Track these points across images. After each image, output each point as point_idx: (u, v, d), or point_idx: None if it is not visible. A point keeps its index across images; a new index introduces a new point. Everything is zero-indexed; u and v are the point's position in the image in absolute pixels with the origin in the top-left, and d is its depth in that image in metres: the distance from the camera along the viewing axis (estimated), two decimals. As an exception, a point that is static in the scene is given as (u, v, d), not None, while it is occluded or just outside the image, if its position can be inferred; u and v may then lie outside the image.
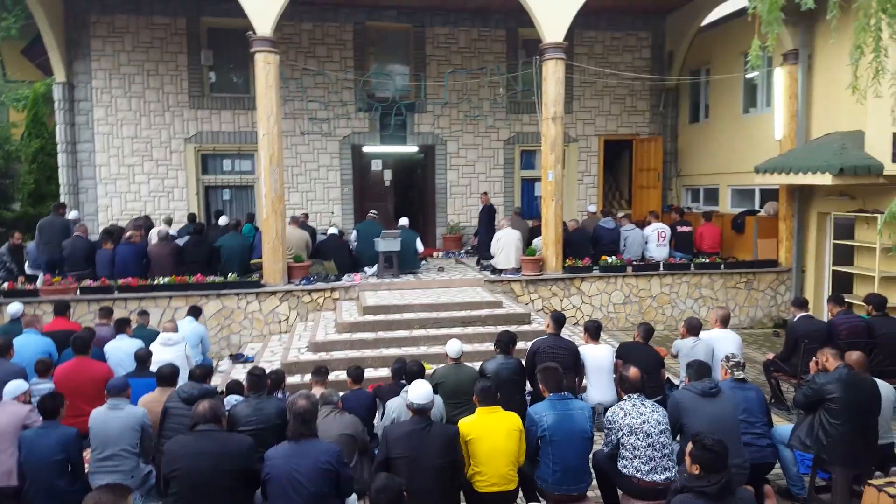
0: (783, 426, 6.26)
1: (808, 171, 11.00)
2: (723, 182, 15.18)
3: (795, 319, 8.37)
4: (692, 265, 12.75)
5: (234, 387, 6.72)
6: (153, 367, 7.04)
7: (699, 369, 5.69)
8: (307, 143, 15.63)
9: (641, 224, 13.87)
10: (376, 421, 6.57)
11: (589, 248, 12.83)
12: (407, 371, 6.50)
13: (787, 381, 8.47)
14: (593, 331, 7.49)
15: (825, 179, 10.66)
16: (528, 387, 7.22)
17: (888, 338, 7.84)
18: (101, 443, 5.60)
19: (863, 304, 8.65)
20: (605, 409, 6.22)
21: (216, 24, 15.06)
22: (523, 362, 7.09)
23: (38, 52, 17.00)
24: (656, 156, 16.64)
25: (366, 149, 16.27)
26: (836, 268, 11.94)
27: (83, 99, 14.71)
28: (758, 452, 5.65)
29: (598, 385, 7.30)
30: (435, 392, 5.80)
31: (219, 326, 11.05)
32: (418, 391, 5.16)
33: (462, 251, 15.63)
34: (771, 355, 8.86)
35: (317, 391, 6.34)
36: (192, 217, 13.92)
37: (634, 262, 12.64)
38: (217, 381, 8.86)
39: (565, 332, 9.16)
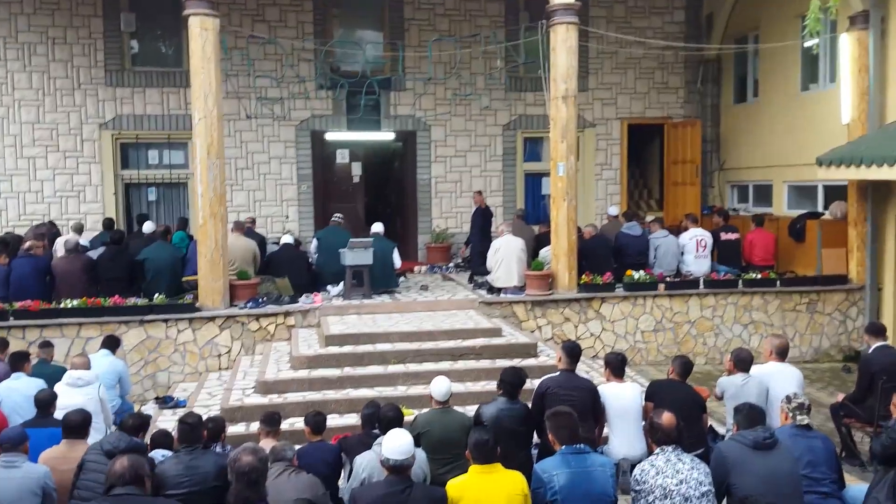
0: (856, 486, 6.26)
1: (885, 163, 11.06)
2: (777, 177, 15.28)
3: (870, 351, 8.39)
4: (740, 282, 12.79)
5: (160, 439, 6.65)
6: (58, 414, 6.95)
7: (750, 414, 5.68)
8: (255, 130, 15.61)
9: (676, 230, 13.91)
10: (342, 482, 6.52)
11: (610, 261, 12.84)
12: (381, 418, 6.46)
13: (861, 428, 8.49)
14: (616, 366, 7.46)
15: (905, 174, 10.76)
16: (536, 438, 7.18)
17: None
18: (-10, 511, 5.52)
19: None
20: (632, 466, 6.18)
21: (140, -21, 15.13)
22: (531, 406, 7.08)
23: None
24: (693, 144, 16.74)
25: (329, 136, 16.25)
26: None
27: (-30, 74, 14.71)
28: (825, 518, 5.66)
29: (623, 435, 7.27)
30: (416, 444, 5.76)
31: (142, 361, 10.99)
32: (395, 444, 5.13)
33: (451, 265, 15.65)
34: (841, 396, 8.87)
35: (266, 444, 6.28)
36: (108, 223, 13.87)
37: (667, 279, 12.67)
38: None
39: (581, 368, 9.12)
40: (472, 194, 15.73)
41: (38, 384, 7.70)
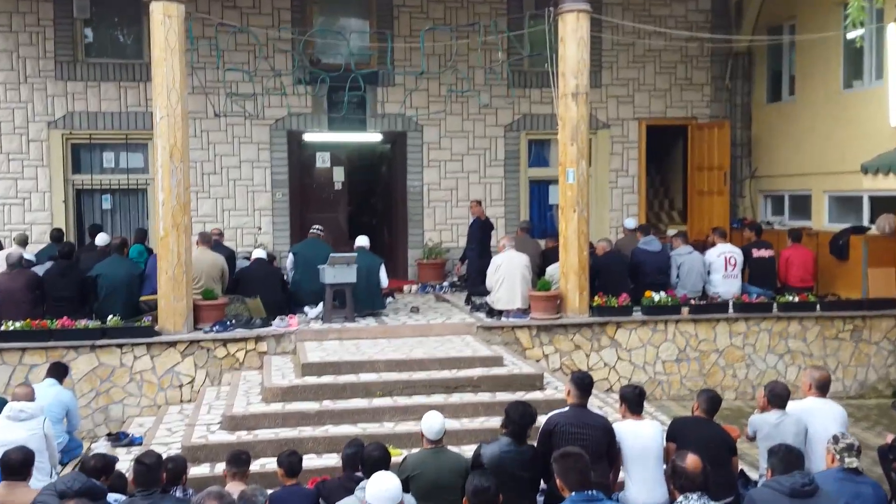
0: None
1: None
2: (816, 186, 15.32)
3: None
4: (775, 305, 12.79)
5: (113, 481, 6.61)
6: (-4, 453, 6.90)
7: (786, 457, 5.67)
8: (224, 130, 15.64)
9: (702, 246, 13.93)
10: (320, 532, 6.48)
11: (626, 281, 12.85)
12: (365, 458, 6.44)
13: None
14: (634, 400, 7.43)
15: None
16: (543, 483, 7.15)
17: None
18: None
19: None
20: (652, 515, 6.15)
21: (95, -42, 15.16)
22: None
23: None
24: (722, 149, 16.79)
25: (308, 137, 16.28)
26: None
27: None
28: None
29: (642, 479, 7.20)
30: (405, 489, 5.74)
31: (93, 392, 10.94)
32: (381, 488, 5.10)
33: (445, 284, 15.63)
34: (890, 438, 8.77)
35: (234, 488, 6.25)
36: (56, 234, 13.85)
37: (692, 301, 12.67)
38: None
39: (593, 403, 9.12)
40: (469, 204, 15.63)
41: (-27, 418, 7.66)
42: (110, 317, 11.22)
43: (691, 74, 17.14)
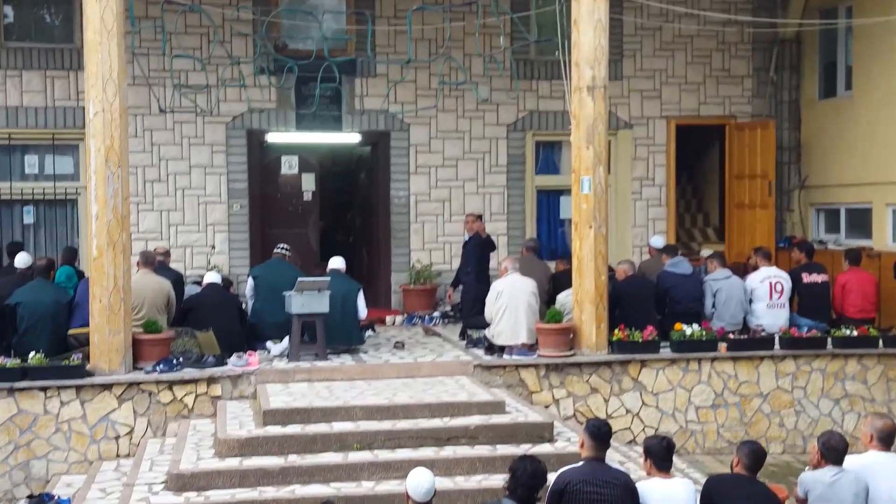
0: None
1: None
2: (878, 198, 15.39)
3: None
4: (829, 340, 12.80)
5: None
6: None
7: (844, 522, 5.64)
8: (171, 129, 15.65)
9: (742, 269, 13.94)
10: None
11: (653, 311, 12.89)
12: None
13: None
14: (661, 454, 7.40)
15: None
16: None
17: None
18: None
19: None
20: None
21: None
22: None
23: None
24: (765, 153, 16.79)
25: (271, 137, 16.29)
26: None
27: None
28: None
29: (671, 549, 7.24)
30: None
31: (11, 445, 10.84)
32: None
33: (436, 314, 15.66)
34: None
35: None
36: (-33, 255, 13.79)
37: (731, 335, 12.67)
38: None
39: (613, 457, 9.10)
40: (464, 218, 15.60)
41: None
42: (32, 354, 11.12)
43: (730, 65, 17.20)
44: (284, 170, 16.72)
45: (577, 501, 6.86)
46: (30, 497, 10.22)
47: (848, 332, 12.84)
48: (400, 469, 9.13)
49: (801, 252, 14.39)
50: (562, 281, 13.45)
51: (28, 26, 15.57)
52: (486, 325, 12.70)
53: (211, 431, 10.58)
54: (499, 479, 7.20)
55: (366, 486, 9.30)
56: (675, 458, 7.70)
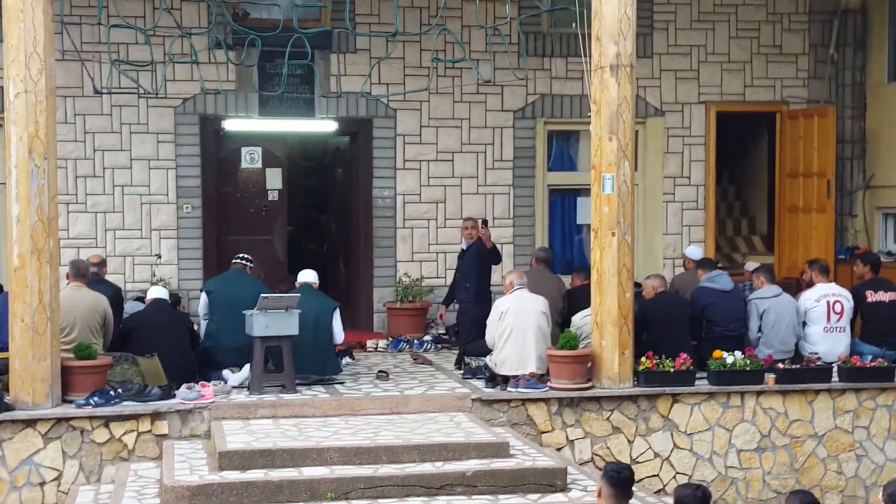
0: None
1: None
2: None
3: None
4: (900, 371, 12.80)
5: None
6: None
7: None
8: (109, 114, 15.69)
9: (795, 285, 13.90)
10: None
11: (686, 335, 12.90)
12: None
13: None
14: (697, 507, 7.30)
15: None
16: None
17: None
18: None
19: None
20: None
21: None
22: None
23: None
24: (824, 147, 16.76)
25: (230, 125, 16.32)
26: None
27: None
28: None
29: None
30: None
31: (-89, 493, 10.85)
32: None
33: (427, 338, 15.73)
34: None
35: None
36: None
37: (780, 364, 12.60)
38: None
39: (641, 512, 8.99)
40: (462, 223, 15.53)
41: None
42: (-63, 384, 11.15)
43: (781, 40, 17.25)
44: (245, 164, 16.76)
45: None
46: (-66, 558, 10.15)
47: (921, 361, 12.92)
48: (384, 525, 9.08)
49: (864, 265, 14.38)
50: (578, 299, 13.50)
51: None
52: (487, 351, 12.71)
53: (156, 477, 10.56)
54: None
55: (341, 546, 9.34)
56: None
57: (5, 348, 11.39)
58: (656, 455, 12.14)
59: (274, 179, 16.84)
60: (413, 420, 11.61)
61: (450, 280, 15.73)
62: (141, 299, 13.77)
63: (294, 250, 17.25)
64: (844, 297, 13.11)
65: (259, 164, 16.77)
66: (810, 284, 13.44)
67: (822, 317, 12.97)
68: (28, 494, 10.93)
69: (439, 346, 15.38)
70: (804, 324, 13.06)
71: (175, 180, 15.86)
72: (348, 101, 16.26)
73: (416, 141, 16.46)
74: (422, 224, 16.55)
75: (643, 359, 12.20)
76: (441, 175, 16.55)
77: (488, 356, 12.59)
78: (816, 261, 14.14)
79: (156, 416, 11.33)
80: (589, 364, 12.16)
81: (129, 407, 11.30)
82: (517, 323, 12.29)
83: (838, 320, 12.98)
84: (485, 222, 14.75)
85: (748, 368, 12.32)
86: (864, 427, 12.55)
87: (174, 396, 11.65)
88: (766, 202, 18.08)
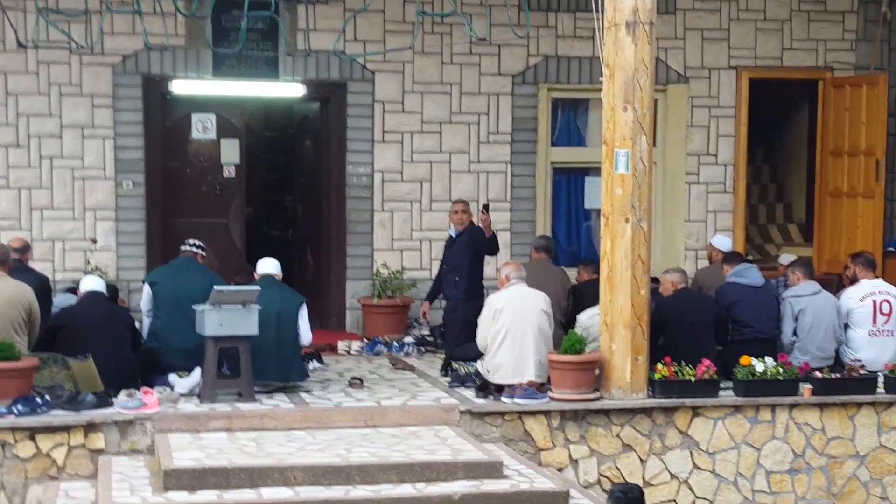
0: None
1: None
2: None
3: None
4: (955, 382, 12.93)
5: None
6: None
7: None
8: (35, 73, 15.70)
9: (836, 282, 13.99)
10: None
11: (710, 338, 12.98)
12: None
13: None
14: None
15: None
16: None
17: None
18: None
19: None
20: None
21: None
22: None
23: None
24: (874, 121, 16.85)
25: (178, 87, 16.37)
26: None
27: None
28: None
29: None
30: None
31: None
32: None
33: (408, 339, 15.75)
34: None
35: None
36: None
37: (818, 373, 12.68)
38: None
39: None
40: (451, 206, 15.40)
41: None
42: None
43: (823, -1, 17.35)
44: (196, 134, 16.78)
45: None
46: None
47: (981, 370, 13.00)
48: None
49: (918, 259, 14.53)
50: (585, 295, 13.58)
51: None
52: (478, 355, 12.77)
53: (90, 499, 10.55)
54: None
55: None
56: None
57: (-86, 346, 11.42)
58: (673, 477, 12.22)
59: (230, 153, 16.82)
60: (391, 435, 11.58)
61: (435, 272, 15.62)
62: (73, 291, 13.76)
63: (254, 236, 17.18)
64: (893, 296, 13.19)
65: (213, 135, 16.74)
66: (854, 281, 13.53)
67: (867, 318, 13.06)
68: (-59, 517, 11.00)
69: (422, 349, 15.42)
70: (846, 326, 13.17)
71: (113, 152, 15.83)
72: (318, 61, 16.33)
73: (397, 109, 16.49)
74: (403, 207, 16.61)
75: (659, 366, 12.27)
76: (426, 150, 16.60)
77: (479, 361, 12.64)
78: (861, 254, 14.19)
79: (90, 427, 11.28)
80: (596, 371, 12.23)
81: (58, 417, 11.27)
82: (514, 323, 12.32)
83: (886, 322, 13.06)
84: (486, 207, 14.48)
85: (780, 378, 12.41)
86: (916, 446, 12.72)
87: (112, 405, 11.62)
88: (804, 185, 18.09)
